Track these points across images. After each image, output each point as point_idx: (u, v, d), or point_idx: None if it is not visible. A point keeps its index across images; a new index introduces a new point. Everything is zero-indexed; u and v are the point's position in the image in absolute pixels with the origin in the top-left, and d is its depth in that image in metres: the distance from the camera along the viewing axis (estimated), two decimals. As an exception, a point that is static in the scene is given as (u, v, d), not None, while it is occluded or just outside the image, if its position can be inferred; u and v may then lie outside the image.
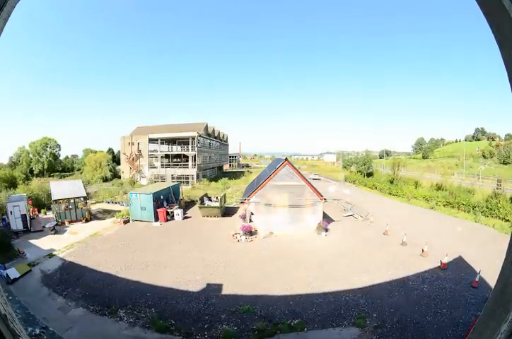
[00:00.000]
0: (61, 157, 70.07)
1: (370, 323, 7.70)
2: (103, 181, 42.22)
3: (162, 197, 20.27)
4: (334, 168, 68.22)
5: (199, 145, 39.67)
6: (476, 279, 9.61)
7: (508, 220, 17.79)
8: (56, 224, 16.86)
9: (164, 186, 21.95)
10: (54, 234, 15.76)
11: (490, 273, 9.93)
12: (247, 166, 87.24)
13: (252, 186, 19.09)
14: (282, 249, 13.62)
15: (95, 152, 59.90)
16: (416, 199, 25.87)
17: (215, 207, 19.74)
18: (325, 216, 17.12)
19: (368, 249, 13.43)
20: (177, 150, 46.41)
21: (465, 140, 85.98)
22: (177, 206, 20.71)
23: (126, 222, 18.53)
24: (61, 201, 18.93)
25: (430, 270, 11.06)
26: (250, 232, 15.38)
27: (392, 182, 32.78)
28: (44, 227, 16.39)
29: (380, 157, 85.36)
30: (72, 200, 19.09)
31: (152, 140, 40.36)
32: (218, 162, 56.06)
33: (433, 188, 27.47)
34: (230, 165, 78.73)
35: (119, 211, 20.56)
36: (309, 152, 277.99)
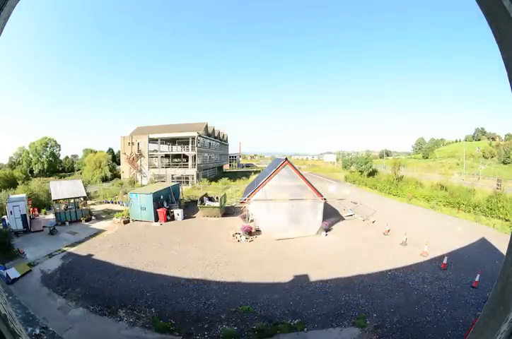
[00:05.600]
0: (61, 157, 70.13)
1: (370, 323, 7.70)
2: (103, 181, 42.17)
3: (162, 197, 20.26)
4: (334, 168, 68.10)
5: (199, 145, 39.66)
6: (477, 279, 9.60)
7: (508, 220, 17.76)
8: (56, 224, 16.87)
9: (164, 186, 21.93)
10: (54, 234, 15.76)
11: (490, 273, 9.95)
12: (247, 166, 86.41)
13: (252, 186, 19.07)
14: (282, 249, 13.61)
15: (95, 152, 59.76)
16: (417, 199, 25.84)
17: (215, 207, 19.73)
18: (325, 216, 17.08)
19: (369, 249, 13.43)
20: (177, 150, 46.42)
21: (465, 140, 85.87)
22: (177, 206, 20.70)
23: (126, 222, 18.51)
24: (61, 201, 18.97)
25: (430, 270, 11.05)
26: (250, 232, 15.38)
27: (392, 182, 32.73)
28: (44, 227, 16.38)
29: (381, 157, 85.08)
30: (72, 200, 19.12)
31: (152, 140, 40.34)
32: (218, 162, 56.04)
33: (434, 188, 27.40)
34: (230, 165, 78.67)
35: (120, 211, 20.56)
36: (309, 152, 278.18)
